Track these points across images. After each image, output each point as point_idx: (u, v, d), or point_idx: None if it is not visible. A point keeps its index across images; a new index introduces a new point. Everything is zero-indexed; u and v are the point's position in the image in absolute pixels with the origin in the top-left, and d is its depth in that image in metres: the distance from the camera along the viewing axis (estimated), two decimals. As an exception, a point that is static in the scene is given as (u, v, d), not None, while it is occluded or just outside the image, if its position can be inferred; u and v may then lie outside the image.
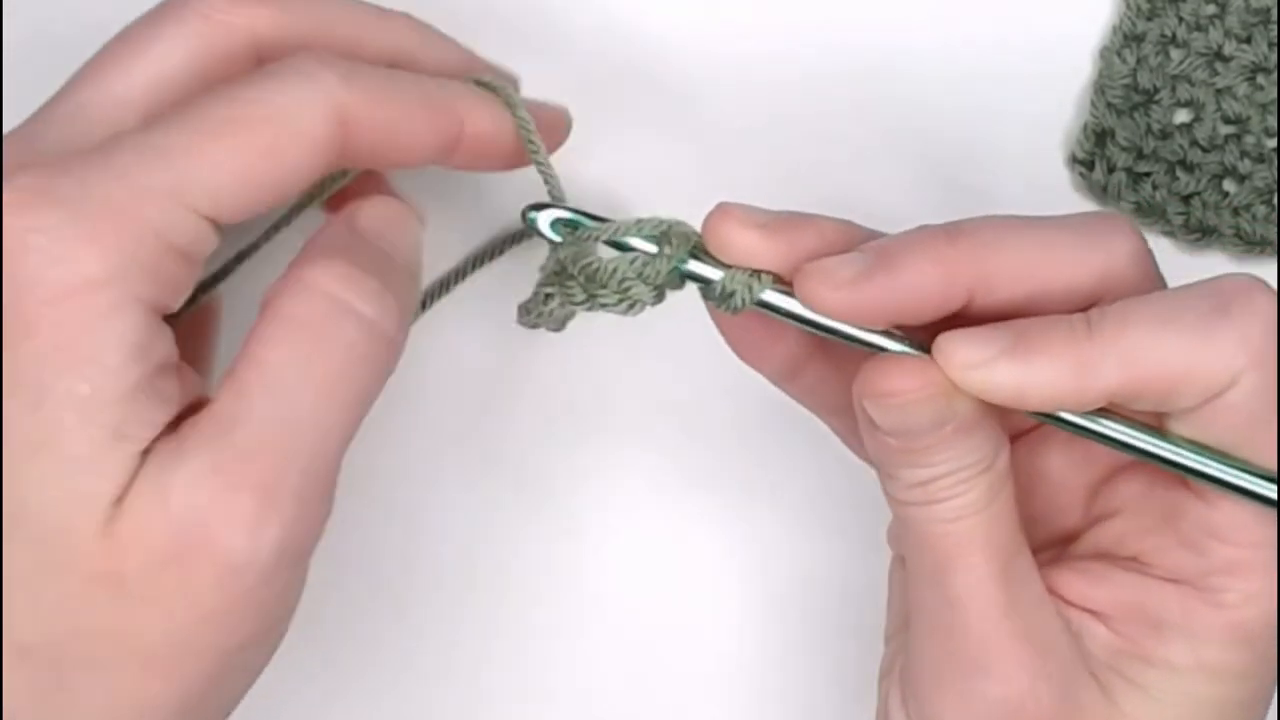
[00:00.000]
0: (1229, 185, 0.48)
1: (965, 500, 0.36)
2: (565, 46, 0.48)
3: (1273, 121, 0.48)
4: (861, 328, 0.36)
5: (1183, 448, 0.36)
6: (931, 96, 0.48)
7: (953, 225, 0.37)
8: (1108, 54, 0.48)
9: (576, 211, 0.38)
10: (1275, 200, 0.48)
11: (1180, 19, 0.48)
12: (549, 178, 0.40)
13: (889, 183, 0.48)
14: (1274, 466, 0.36)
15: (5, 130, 0.48)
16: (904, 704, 0.39)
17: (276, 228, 0.42)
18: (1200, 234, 0.48)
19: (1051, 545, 0.40)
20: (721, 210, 0.37)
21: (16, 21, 0.48)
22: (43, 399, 0.33)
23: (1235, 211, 0.48)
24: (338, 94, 0.37)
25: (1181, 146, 0.48)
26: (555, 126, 0.43)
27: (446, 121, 0.39)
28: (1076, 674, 0.37)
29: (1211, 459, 0.36)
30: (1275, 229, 0.48)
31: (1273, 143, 0.48)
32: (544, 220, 0.38)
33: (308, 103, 0.37)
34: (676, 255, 0.37)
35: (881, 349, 0.36)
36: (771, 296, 0.37)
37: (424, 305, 0.43)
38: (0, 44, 0.48)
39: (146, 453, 0.34)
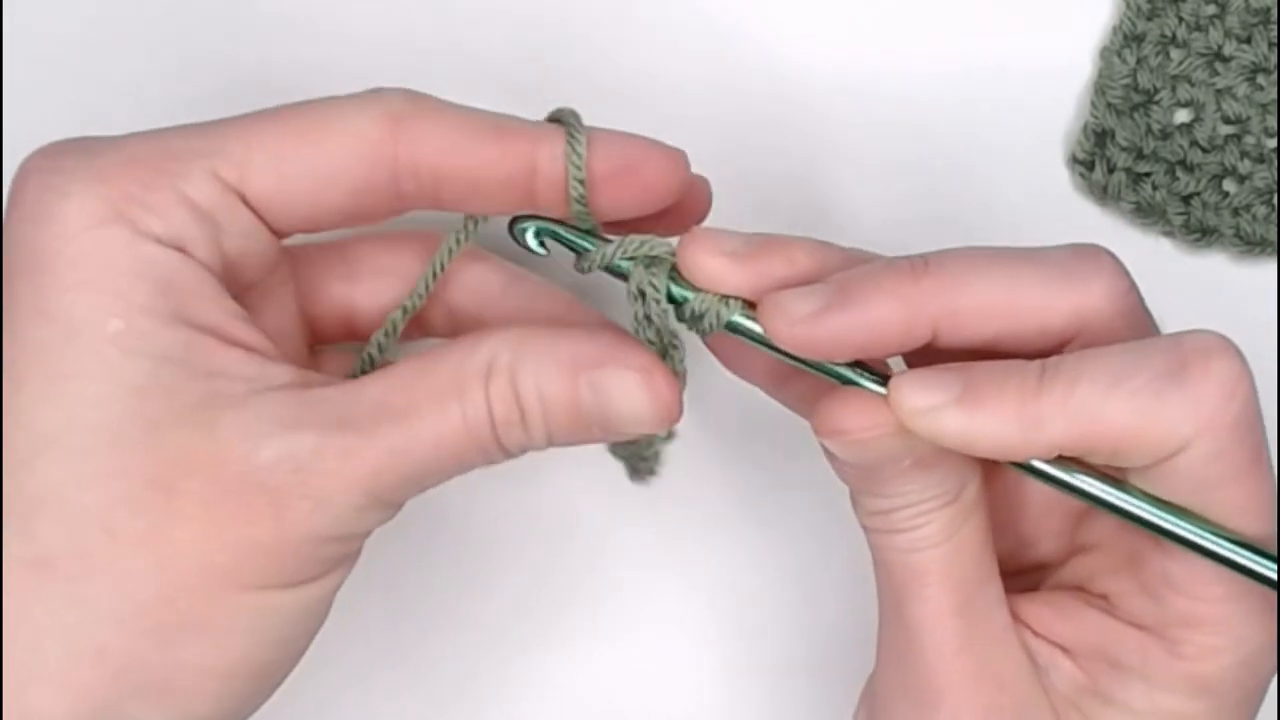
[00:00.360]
0: (1229, 185, 0.48)
1: (925, 533, 0.36)
2: (560, 56, 0.48)
3: (1273, 122, 0.48)
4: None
5: (1141, 500, 0.36)
6: (931, 96, 0.48)
7: (920, 260, 0.36)
8: (1108, 54, 0.48)
9: (569, 228, 0.38)
10: (1275, 200, 0.48)
11: (1180, 19, 0.48)
12: (577, 235, 0.38)
13: (888, 183, 0.48)
14: (1230, 523, 0.35)
15: (5, 129, 0.48)
16: None
17: (413, 310, 0.41)
18: (1200, 234, 0.48)
19: (1033, 570, 0.40)
20: (693, 235, 0.37)
21: (17, 21, 0.48)
22: (74, 334, 0.34)
23: (1235, 212, 0.48)
24: (396, 103, 0.37)
25: (1181, 147, 0.48)
26: (657, 176, 0.38)
27: (515, 147, 0.37)
28: (1034, 710, 0.37)
29: (1170, 514, 0.35)
30: (1275, 229, 0.48)
31: (1273, 143, 0.48)
32: (530, 233, 0.38)
33: (360, 102, 0.37)
34: (646, 278, 0.37)
35: (845, 379, 0.36)
36: (742, 321, 0.37)
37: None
38: (0, 44, 0.48)
39: (240, 397, 0.35)
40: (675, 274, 0.37)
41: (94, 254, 0.34)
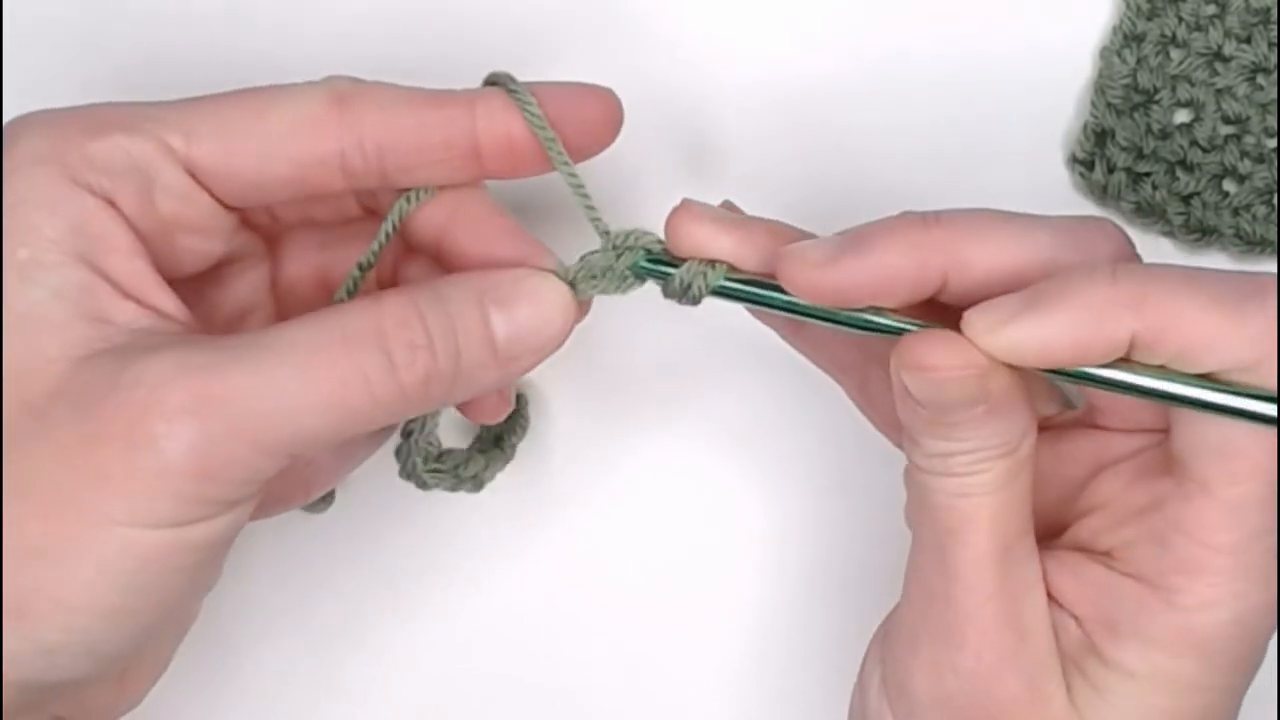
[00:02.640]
0: (1229, 185, 0.48)
1: (981, 480, 0.37)
2: (571, 51, 0.49)
3: (1273, 122, 0.48)
4: (826, 311, 0.37)
5: (1194, 383, 0.36)
6: (931, 96, 0.48)
7: (932, 213, 0.37)
8: (1108, 54, 0.48)
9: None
10: (1275, 200, 0.48)
11: (1180, 19, 0.48)
12: (570, 180, 0.40)
13: (888, 183, 0.48)
14: None
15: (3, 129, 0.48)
16: (880, 671, 0.40)
17: (368, 266, 0.42)
18: (1200, 234, 0.48)
19: (1039, 538, 0.40)
20: (682, 205, 0.39)
21: (16, 21, 0.48)
22: None
23: (1235, 211, 0.48)
24: (339, 84, 0.39)
25: (1181, 146, 0.48)
26: (597, 119, 0.41)
27: (451, 113, 0.39)
28: (1047, 666, 0.38)
29: (1224, 389, 0.35)
30: (1275, 229, 0.48)
31: (1273, 143, 0.48)
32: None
33: (307, 85, 0.39)
34: (629, 258, 0.39)
35: (866, 325, 0.37)
36: (730, 284, 0.39)
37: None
38: (0, 44, 0.48)
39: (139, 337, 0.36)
40: (654, 254, 0.40)
41: (20, 186, 0.36)
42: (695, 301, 0.39)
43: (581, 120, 0.40)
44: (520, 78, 0.40)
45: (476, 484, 0.46)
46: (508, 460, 0.47)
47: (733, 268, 0.39)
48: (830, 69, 0.49)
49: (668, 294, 0.39)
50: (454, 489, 0.46)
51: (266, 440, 0.35)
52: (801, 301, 0.38)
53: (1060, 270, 0.36)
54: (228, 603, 0.46)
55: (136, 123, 0.38)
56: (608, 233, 0.40)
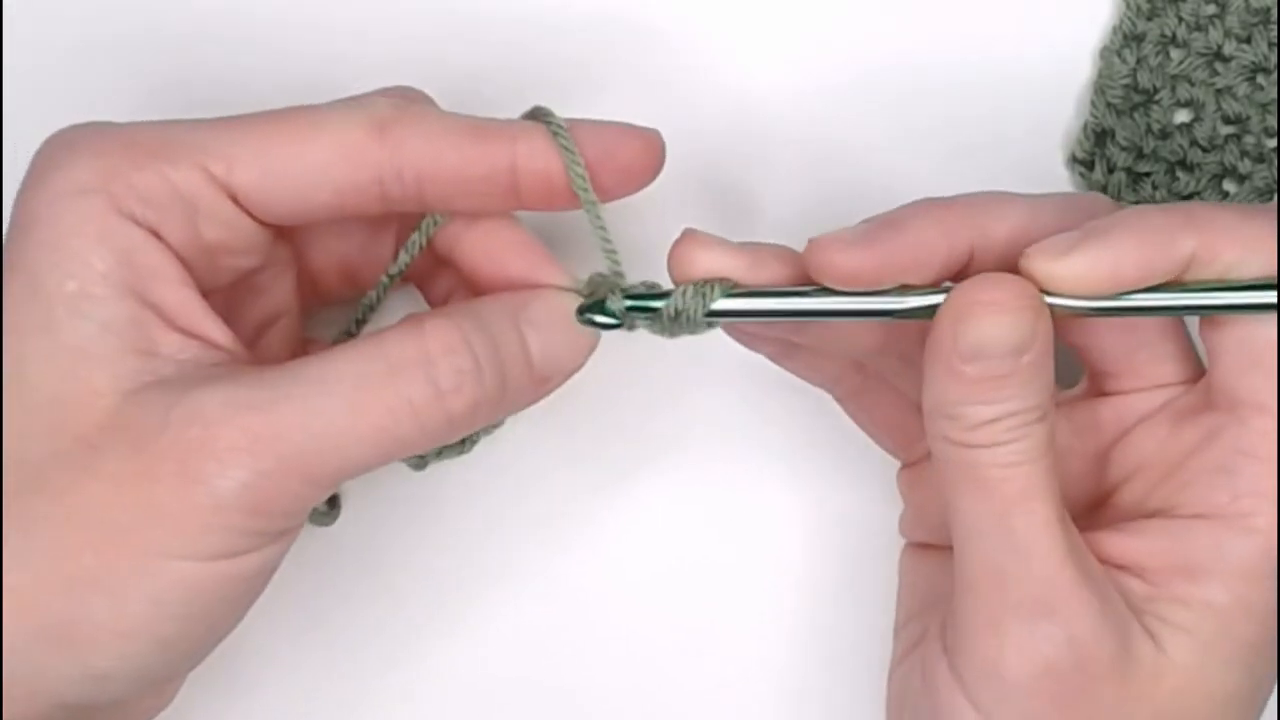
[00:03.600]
0: (1229, 185, 0.48)
1: (1025, 446, 0.37)
2: (570, 54, 0.49)
3: (1273, 121, 0.48)
4: (837, 297, 0.38)
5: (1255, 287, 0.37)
6: (931, 97, 0.48)
7: (945, 197, 0.39)
8: (1108, 54, 0.48)
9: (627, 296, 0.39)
10: (1275, 200, 0.48)
11: (1180, 19, 0.48)
12: (595, 222, 0.40)
13: (888, 183, 0.48)
14: None
15: (4, 126, 0.48)
16: (949, 666, 0.39)
17: (391, 279, 0.42)
18: (1200, 234, 0.48)
19: (1076, 516, 0.40)
20: (685, 234, 0.39)
21: (17, 21, 0.48)
22: (38, 288, 0.36)
23: (1235, 211, 0.48)
24: (381, 110, 0.39)
25: (1181, 146, 0.48)
26: (637, 160, 0.40)
27: (493, 147, 0.39)
28: (1130, 620, 0.38)
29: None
30: (1277, 229, 0.48)
31: (1273, 143, 0.48)
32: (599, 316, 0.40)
33: (347, 107, 0.39)
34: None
35: (878, 313, 0.38)
36: (727, 304, 0.38)
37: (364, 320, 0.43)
38: (0, 44, 0.48)
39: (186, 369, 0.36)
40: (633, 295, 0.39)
41: (67, 218, 0.36)
42: (694, 330, 0.39)
43: (622, 160, 0.40)
44: (550, 102, 0.40)
45: (420, 462, 0.45)
46: (464, 452, 0.46)
47: (730, 284, 0.38)
48: (830, 70, 0.48)
49: (662, 328, 0.39)
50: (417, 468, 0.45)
51: (315, 473, 0.36)
52: (811, 304, 0.38)
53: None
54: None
55: (179, 150, 0.38)
56: (619, 274, 0.40)
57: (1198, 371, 0.40)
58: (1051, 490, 0.37)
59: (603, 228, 0.40)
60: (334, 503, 0.46)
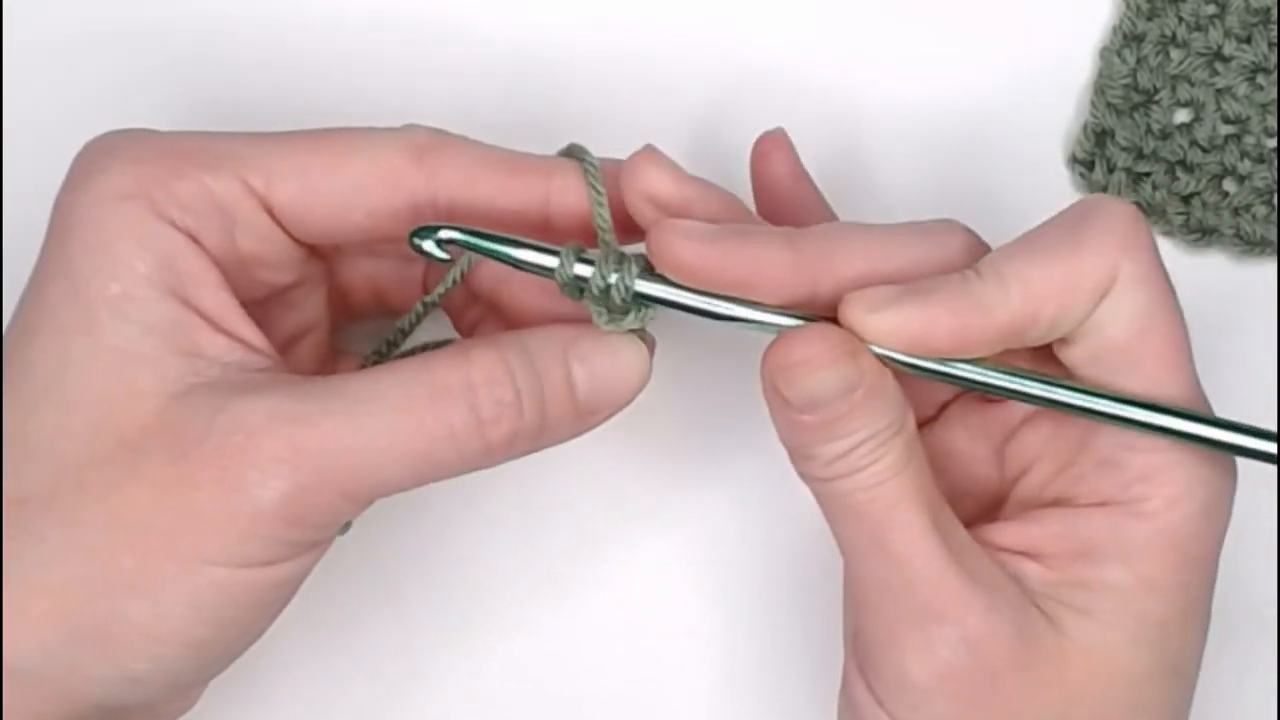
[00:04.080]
0: (1229, 185, 0.48)
1: (886, 463, 0.37)
2: (567, 76, 0.49)
3: (1273, 122, 0.48)
4: (748, 307, 0.38)
5: (1086, 391, 0.38)
6: (931, 97, 0.48)
7: (804, 228, 0.39)
8: (1108, 54, 0.48)
9: (460, 229, 0.39)
10: (1275, 200, 0.48)
11: (1180, 19, 0.48)
12: (605, 264, 0.39)
13: (888, 183, 0.48)
14: (1167, 386, 0.38)
15: (3, 129, 0.48)
16: (864, 683, 0.39)
17: (428, 308, 0.42)
18: (1200, 234, 0.48)
19: (981, 514, 0.41)
20: (645, 149, 0.39)
21: (17, 22, 0.48)
22: (80, 291, 0.36)
23: (1235, 211, 0.48)
24: (420, 137, 0.39)
25: (1181, 147, 0.48)
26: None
27: (528, 181, 0.39)
28: (1024, 608, 0.38)
29: (1112, 399, 0.38)
30: (1275, 229, 0.48)
31: (1273, 143, 0.48)
32: (429, 243, 0.39)
33: (387, 133, 0.39)
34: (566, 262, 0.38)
35: (769, 325, 0.38)
36: (650, 287, 0.38)
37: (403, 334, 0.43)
38: (0, 44, 0.48)
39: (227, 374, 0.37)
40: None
41: (110, 221, 0.37)
42: (625, 311, 0.38)
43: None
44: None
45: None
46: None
47: (648, 267, 0.38)
48: (829, 70, 0.48)
49: (595, 304, 0.38)
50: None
51: (352, 488, 0.36)
52: (711, 305, 0.38)
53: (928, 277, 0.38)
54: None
55: (219, 161, 0.38)
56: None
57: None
58: (920, 496, 0.38)
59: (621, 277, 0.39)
60: None
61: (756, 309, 0.38)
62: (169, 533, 0.35)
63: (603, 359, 0.38)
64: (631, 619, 0.48)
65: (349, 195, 0.38)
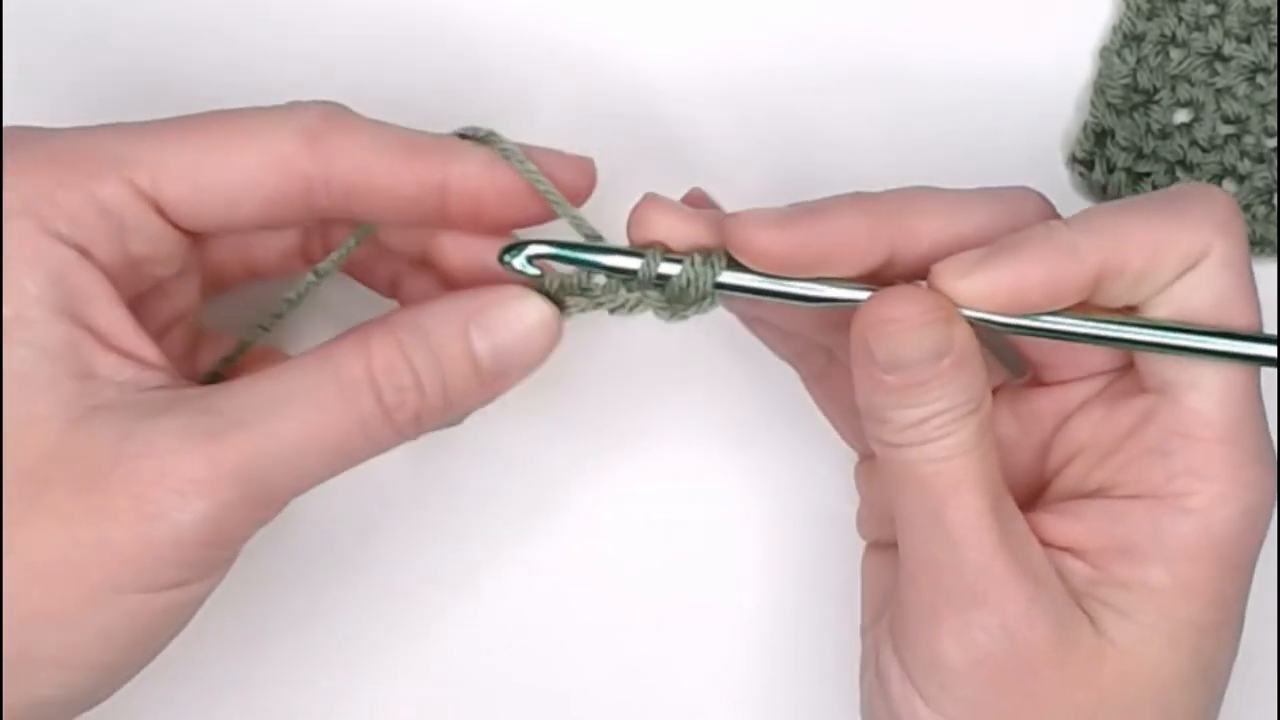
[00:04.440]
0: (1229, 185, 0.48)
1: (957, 439, 0.37)
2: (555, 76, 0.49)
3: (1272, 121, 0.48)
4: (821, 284, 0.38)
5: (1169, 328, 0.37)
6: (931, 97, 0.48)
7: (877, 192, 0.39)
8: (1107, 54, 0.48)
9: (547, 243, 0.39)
10: (1275, 200, 0.48)
11: (1180, 19, 0.48)
12: (575, 221, 0.40)
13: (889, 184, 0.48)
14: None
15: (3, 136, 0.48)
16: (898, 659, 0.39)
17: (320, 276, 0.42)
18: (1200, 234, 0.48)
19: (1021, 504, 0.41)
20: (646, 198, 0.39)
21: (17, 21, 0.48)
22: None
23: (1235, 211, 0.48)
24: (311, 119, 0.38)
25: (1181, 146, 0.48)
26: (571, 186, 0.40)
27: (426, 166, 0.39)
28: (1067, 604, 0.38)
29: (1195, 332, 0.37)
30: (1275, 229, 0.48)
31: (1272, 143, 0.48)
32: (520, 260, 0.39)
33: (276, 117, 0.38)
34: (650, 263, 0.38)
35: (849, 301, 0.38)
36: (730, 277, 0.38)
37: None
38: (0, 44, 0.48)
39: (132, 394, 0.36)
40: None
41: None
42: (694, 304, 0.39)
43: (557, 185, 0.40)
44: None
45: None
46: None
47: (732, 261, 0.38)
48: (830, 71, 0.48)
49: (670, 301, 0.39)
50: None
51: (272, 495, 0.36)
52: (790, 288, 0.38)
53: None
54: (226, 614, 0.46)
55: (104, 166, 0.37)
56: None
57: (1130, 358, 0.41)
58: (985, 480, 0.38)
59: (590, 232, 0.40)
60: None
61: (836, 285, 0.38)
62: (80, 565, 0.35)
63: (507, 328, 0.38)
64: (638, 609, 0.48)
65: (241, 187, 0.38)
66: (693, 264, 0.38)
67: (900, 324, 0.37)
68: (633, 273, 0.38)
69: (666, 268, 0.38)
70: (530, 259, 0.39)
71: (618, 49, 0.48)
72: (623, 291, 0.39)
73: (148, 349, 0.37)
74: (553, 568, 0.48)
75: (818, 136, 0.49)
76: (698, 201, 0.41)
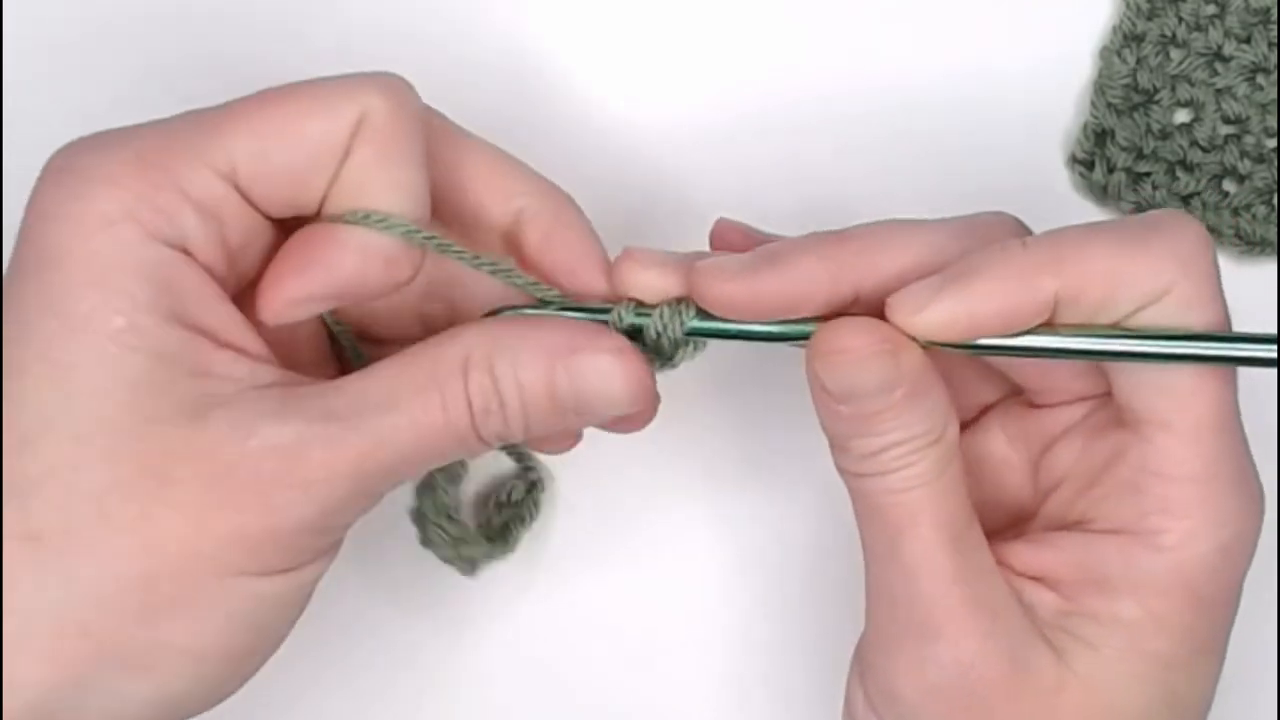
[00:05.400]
0: (1229, 185, 0.48)
1: (916, 471, 0.37)
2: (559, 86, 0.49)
3: (1273, 122, 0.48)
4: (779, 324, 0.38)
5: (1145, 335, 0.37)
6: (931, 97, 0.48)
7: (841, 230, 0.38)
8: (1107, 54, 0.48)
9: (519, 308, 0.40)
10: (1275, 200, 0.48)
11: (1180, 19, 0.48)
12: (531, 288, 0.40)
13: (889, 184, 0.48)
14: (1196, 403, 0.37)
15: (3, 130, 0.48)
16: (861, 681, 0.40)
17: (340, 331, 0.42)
18: (1200, 234, 0.48)
19: (1008, 526, 0.41)
20: (624, 253, 0.39)
21: (17, 22, 0.48)
22: (83, 327, 0.36)
23: (1235, 212, 0.48)
24: (372, 99, 0.37)
25: (1181, 147, 0.48)
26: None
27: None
28: (1027, 638, 0.38)
29: (1182, 338, 0.37)
30: (1275, 229, 0.48)
31: (1273, 143, 0.48)
32: None
33: (339, 93, 0.37)
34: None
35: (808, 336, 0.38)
36: (702, 323, 0.38)
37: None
38: (0, 44, 0.48)
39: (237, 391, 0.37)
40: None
41: (104, 254, 0.36)
42: (672, 354, 0.39)
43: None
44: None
45: (470, 566, 0.46)
46: (508, 552, 0.47)
47: (701, 311, 0.38)
48: (829, 70, 0.49)
49: (647, 351, 0.39)
50: (448, 560, 0.46)
51: (378, 489, 0.37)
52: (755, 329, 0.38)
53: (975, 253, 0.37)
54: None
55: (189, 160, 0.37)
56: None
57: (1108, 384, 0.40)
58: (944, 512, 0.37)
59: (549, 296, 0.40)
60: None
61: (804, 324, 0.38)
62: (209, 555, 0.36)
63: (590, 375, 0.38)
64: (647, 613, 0.48)
65: (307, 167, 0.37)
66: (661, 316, 0.39)
67: (847, 355, 0.37)
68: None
69: (636, 320, 0.39)
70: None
71: (609, 95, 0.49)
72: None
73: (255, 343, 0.38)
74: (551, 568, 0.48)
75: (818, 138, 0.49)
76: (724, 233, 0.42)
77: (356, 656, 0.48)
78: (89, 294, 0.36)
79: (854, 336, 0.37)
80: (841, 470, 0.39)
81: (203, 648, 0.36)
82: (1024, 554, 0.39)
